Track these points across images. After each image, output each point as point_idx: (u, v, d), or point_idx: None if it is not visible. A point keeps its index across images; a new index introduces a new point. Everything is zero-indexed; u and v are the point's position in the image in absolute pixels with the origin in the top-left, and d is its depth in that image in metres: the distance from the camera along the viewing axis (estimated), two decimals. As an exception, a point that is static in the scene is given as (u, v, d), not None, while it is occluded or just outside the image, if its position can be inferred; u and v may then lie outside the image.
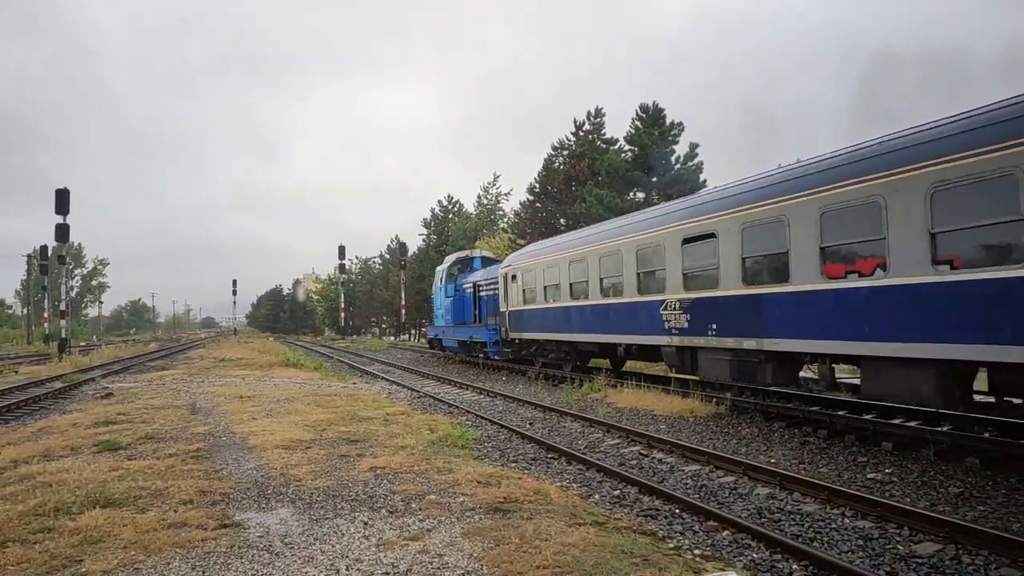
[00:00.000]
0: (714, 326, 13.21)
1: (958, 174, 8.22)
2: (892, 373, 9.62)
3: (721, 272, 12.93)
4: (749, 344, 12.20)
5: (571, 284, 19.49)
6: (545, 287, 21.31)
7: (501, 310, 25.19)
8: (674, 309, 14.47)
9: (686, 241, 14.07)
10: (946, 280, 8.49)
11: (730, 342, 12.73)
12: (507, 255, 29.14)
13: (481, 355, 27.96)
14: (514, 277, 23.87)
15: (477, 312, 28.99)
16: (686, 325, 14.06)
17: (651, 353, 16.61)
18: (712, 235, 13.16)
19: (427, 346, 37.04)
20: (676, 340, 14.44)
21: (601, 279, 17.79)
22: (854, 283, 9.98)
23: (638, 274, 15.96)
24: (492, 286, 27.16)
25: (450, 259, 33.38)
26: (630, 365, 20.71)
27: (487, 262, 31.07)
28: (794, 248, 11.05)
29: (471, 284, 29.76)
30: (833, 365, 11.28)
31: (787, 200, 11.21)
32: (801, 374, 12.37)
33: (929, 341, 8.75)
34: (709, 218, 13.33)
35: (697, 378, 14.80)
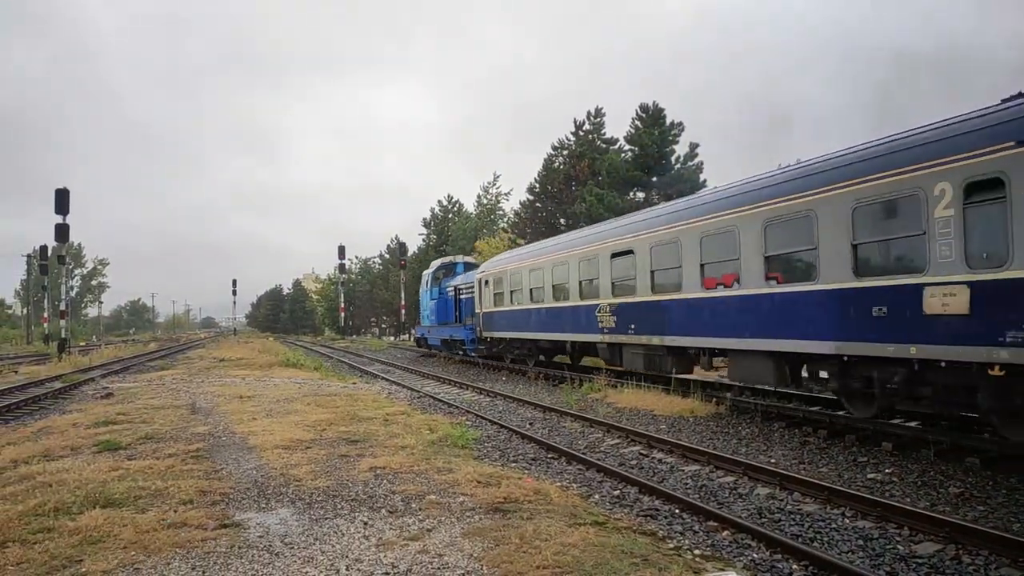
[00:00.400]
0: (633, 326, 15.99)
1: (783, 214, 11.19)
2: (747, 361, 12.33)
3: (637, 282, 15.72)
4: (655, 341, 14.97)
5: (531, 289, 22.34)
6: (511, 292, 24.07)
7: (476, 311, 27.84)
8: (605, 312, 17.36)
9: (614, 255, 16.90)
10: (773, 292, 11.44)
11: (643, 339, 15.51)
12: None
13: (460, 352, 30.84)
14: (487, 282, 26.64)
15: (458, 313, 31.46)
16: (614, 325, 16.96)
17: (590, 349, 19.43)
18: (631, 251, 15.97)
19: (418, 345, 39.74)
20: (608, 338, 17.36)
21: (554, 285, 20.66)
22: (721, 293, 12.77)
23: (580, 282, 18.94)
24: (471, 290, 29.47)
25: (435, 264, 36.25)
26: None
27: (468, 267, 33.52)
28: (685, 264, 13.78)
29: (453, 288, 32.33)
30: (713, 357, 14.17)
31: (680, 226, 14.01)
32: (803, 374, 12.42)
33: (767, 337, 11.55)
34: (628, 238, 16.19)
35: (696, 378, 15.81)
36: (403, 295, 53.71)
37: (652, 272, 15.05)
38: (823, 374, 10.77)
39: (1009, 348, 7.51)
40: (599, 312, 17.54)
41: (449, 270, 34.80)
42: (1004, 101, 8.27)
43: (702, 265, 13.21)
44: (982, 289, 7.86)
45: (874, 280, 9.41)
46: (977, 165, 7.99)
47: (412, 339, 47.19)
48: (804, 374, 11.64)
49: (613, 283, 16.95)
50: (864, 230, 9.61)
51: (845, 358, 10.02)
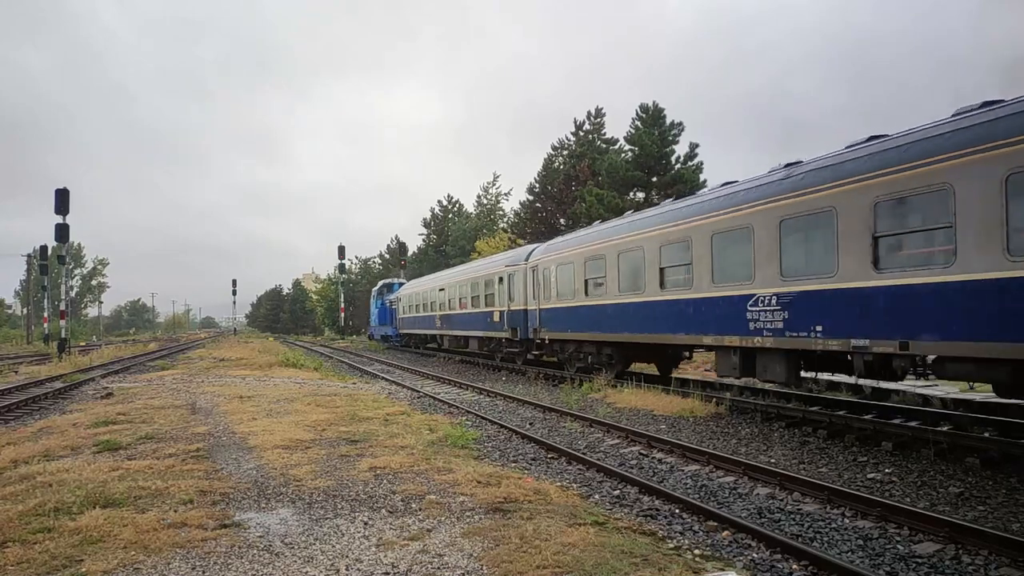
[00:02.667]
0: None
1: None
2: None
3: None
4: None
5: (430, 302, 35.03)
6: (412, 305, 38.88)
7: (399, 316, 43.46)
8: (494, 317, 25.26)
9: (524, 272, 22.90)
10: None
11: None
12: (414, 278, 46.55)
13: (387, 343, 48.13)
14: (399, 298, 43.59)
15: (391, 318, 46.89)
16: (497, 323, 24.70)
17: (464, 342, 30.37)
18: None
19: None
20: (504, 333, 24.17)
21: (448, 300, 31.74)
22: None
23: (472, 296, 28.07)
24: (398, 302, 44.41)
25: (380, 284, 51.91)
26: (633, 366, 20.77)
27: (401, 286, 46.55)
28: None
29: (389, 300, 47.60)
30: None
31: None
32: (802, 374, 12.43)
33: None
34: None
35: (696, 378, 15.72)
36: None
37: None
38: None
39: None
40: (491, 319, 26.01)
41: (388, 288, 49.24)
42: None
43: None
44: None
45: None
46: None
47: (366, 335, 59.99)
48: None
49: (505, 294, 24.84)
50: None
51: None
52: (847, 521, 6.94)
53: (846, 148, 10.57)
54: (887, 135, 9.97)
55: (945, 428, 10.22)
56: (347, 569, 4.96)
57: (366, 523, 6.09)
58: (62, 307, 39.07)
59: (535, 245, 24.41)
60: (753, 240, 11.96)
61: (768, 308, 11.62)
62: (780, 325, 11.35)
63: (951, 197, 8.46)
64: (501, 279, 24.77)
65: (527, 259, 22.88)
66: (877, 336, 9.56)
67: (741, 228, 12.31)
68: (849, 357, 10.64)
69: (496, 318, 25.07)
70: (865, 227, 9.69)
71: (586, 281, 18.43)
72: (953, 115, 8.89)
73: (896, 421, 10.97)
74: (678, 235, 14.28)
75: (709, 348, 14.66)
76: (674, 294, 14.42)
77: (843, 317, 10.13)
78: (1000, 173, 7.90)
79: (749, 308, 12.03)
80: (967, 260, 8.28)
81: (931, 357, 9.40)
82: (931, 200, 8.81)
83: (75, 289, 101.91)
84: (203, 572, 4.95)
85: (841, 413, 11.70)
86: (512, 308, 23.79)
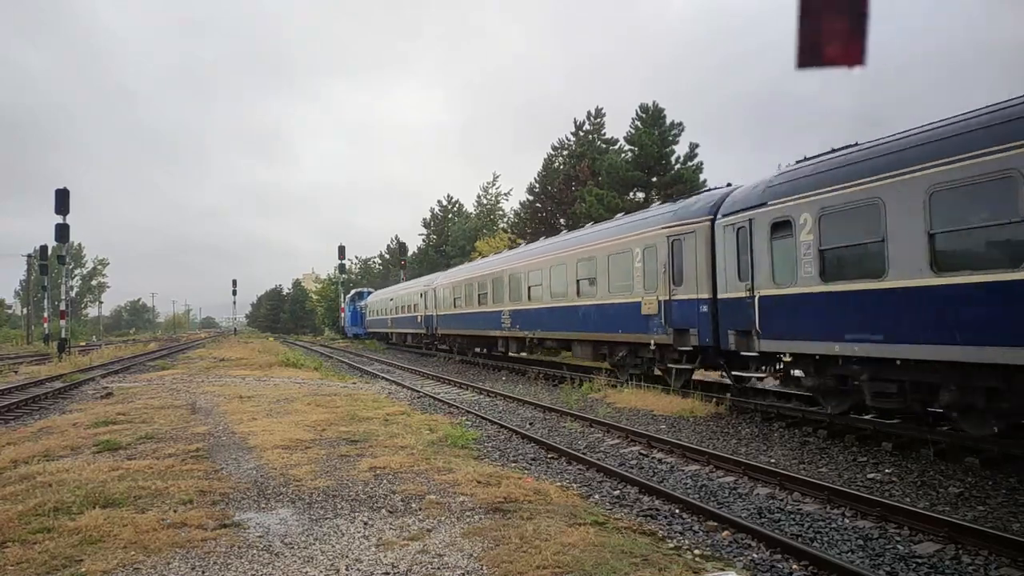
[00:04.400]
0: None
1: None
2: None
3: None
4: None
5: (385, 308, 48.76)
6: (378, 310, 53.19)
7: (367, 318, 59.32)
8: (418, 319, 36.96)
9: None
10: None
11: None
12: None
13: (355, 336, 63.13)
14: (367, 305, 59.75)
15: (360, 320, 62.11)
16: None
17: (404, 337, 44.16)
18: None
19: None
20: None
21: (396, 307, 45.23)
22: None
23: (408, 305, 41.45)
24: (366, 308, 60.50)
25: (352, 292, 67.24)
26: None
27: (368, 295, 62.10)
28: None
29: (359, 306, 62.87)
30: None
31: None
32: (795, 373, 12.32)
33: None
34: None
35: (696, 378, 15.41)
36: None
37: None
38: None
39: None
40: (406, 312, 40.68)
41: (359, 295, 64.66)
42: None
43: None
44: None
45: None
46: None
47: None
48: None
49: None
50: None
51: None
52: (847, 521, 6.94)
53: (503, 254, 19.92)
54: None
55: (945, 428, 10.21)
56: (347, 569, 4.96)
57: (366, 523, 6.09)
58: (62, 307, 39.04)
59: (437, 274, 38.88)
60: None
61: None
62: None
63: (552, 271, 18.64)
64: (422, 294, 38.16)
65: (432, 284, 36.41)
66: None
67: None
68: None
69: (419, 320, 38.62)
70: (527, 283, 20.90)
71: (467, 297, 29.43)
72: (547, 240, 17.96)
73: (895, 421, 10.97)
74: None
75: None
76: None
77: None
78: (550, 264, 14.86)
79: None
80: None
81: None
82: None
83: (75, 289, 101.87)
84: (203, 572, 4.95)
85: (841, 413, 11.69)
86: (426, 314, 37.20)
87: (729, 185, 15.04)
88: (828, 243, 10.48)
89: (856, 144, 10.61)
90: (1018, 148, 7.66)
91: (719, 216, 13.66)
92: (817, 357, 10.91)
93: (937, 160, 8.63)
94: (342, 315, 68.73)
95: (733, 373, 13.95)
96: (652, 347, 15.78)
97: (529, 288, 22.78)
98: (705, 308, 13.90)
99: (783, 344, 11.59)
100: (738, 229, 12.77)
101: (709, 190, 15.86)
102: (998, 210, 7.90)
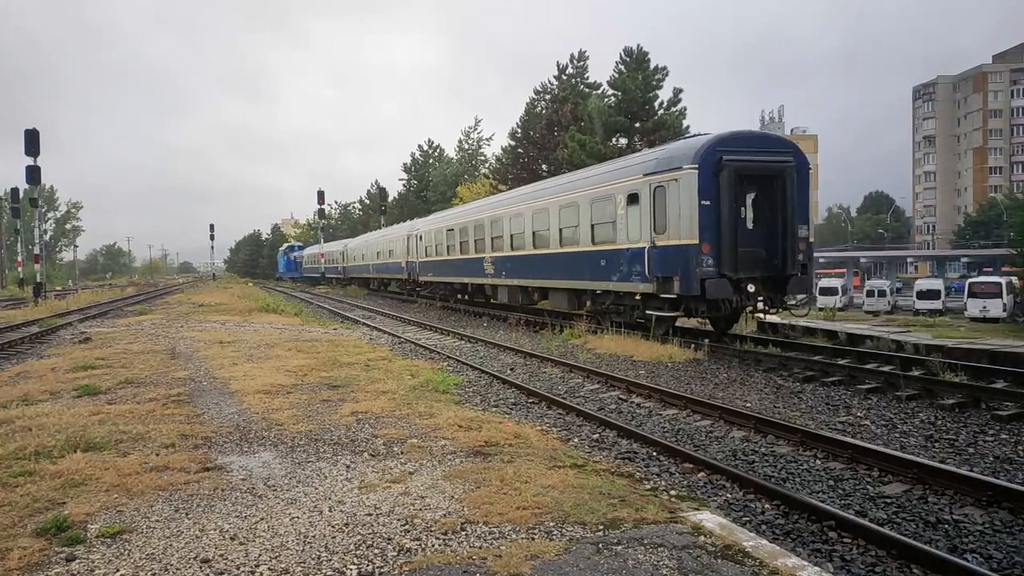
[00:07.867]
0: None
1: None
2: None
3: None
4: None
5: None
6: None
7: (303, 266, 77.26)
8: (401, 265, 38.98)
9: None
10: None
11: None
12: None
13: (290, 279, 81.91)
14: (303, 256, 78.91)
15: (297, 267, 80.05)
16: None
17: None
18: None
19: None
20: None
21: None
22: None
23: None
24: (300, 258, 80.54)
25: (284, 246, 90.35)
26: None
27: (301, 248, 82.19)
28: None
29: (293, 257, 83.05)
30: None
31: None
32: (777, 320, 12.58)
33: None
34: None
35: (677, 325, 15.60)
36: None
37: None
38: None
39: None
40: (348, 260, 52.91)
41: (291, 249, 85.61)
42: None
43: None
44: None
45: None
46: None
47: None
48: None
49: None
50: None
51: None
52: (819, 463, 7.12)
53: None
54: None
55: (917, 373, 10.46)
56: (330, 511, 5.03)
57: (348, 466, 6.15)
58: (36, 251, 38.39)
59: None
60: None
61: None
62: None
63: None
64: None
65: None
66: None
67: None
68: None
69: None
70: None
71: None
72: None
73: (870, 366, 11.20)
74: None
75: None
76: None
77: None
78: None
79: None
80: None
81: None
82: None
83: (49, 233, 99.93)
84: (186, 514, 4.99)
85: (817, 359, 11.93)
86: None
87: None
88: (431, 245, 32.22)
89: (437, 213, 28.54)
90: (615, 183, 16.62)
91: (416, 231, 29.85)
92: (432, 282, 32.28)
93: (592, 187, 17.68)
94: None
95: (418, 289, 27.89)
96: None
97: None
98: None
99: (425, 277, 34.53)
100: (313, 253, 44.77)
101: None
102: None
